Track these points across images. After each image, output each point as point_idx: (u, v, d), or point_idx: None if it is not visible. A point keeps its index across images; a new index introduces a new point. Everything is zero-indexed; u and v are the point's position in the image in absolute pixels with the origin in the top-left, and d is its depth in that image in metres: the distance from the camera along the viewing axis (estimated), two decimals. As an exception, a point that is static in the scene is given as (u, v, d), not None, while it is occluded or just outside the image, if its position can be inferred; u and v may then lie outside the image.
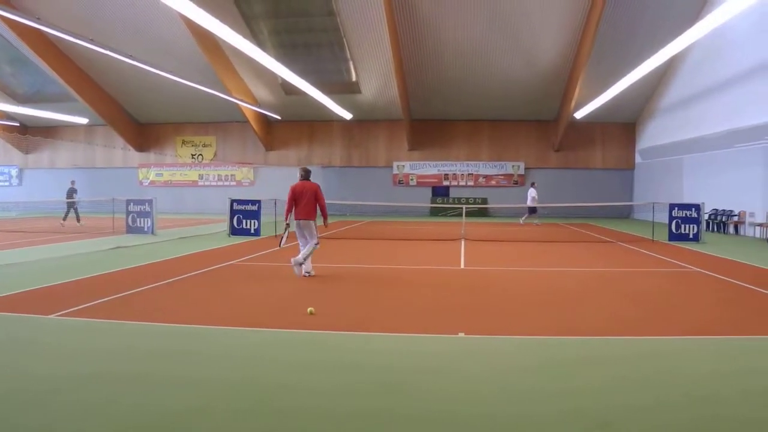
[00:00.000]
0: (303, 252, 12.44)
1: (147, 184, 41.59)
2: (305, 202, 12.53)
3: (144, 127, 42.04)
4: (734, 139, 24.91)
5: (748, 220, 24.33)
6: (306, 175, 12.99)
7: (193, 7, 15.05)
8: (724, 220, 25.84)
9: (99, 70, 34.65)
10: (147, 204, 22.08)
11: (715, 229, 26.06)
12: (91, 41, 18.14)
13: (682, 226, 21.11)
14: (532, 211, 30.70)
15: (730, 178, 25.75)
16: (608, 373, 6.16)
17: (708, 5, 26.04)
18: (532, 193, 30.54)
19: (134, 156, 42.11)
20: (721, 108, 26.17)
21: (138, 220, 21.88)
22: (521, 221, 30.87)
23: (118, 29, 29.46)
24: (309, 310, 8.66)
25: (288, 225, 12.73)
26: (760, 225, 22.93)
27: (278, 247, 14.19)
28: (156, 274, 12.18)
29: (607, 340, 7.50)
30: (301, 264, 12.30)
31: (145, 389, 5.50)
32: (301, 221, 12.55)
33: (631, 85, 26.92)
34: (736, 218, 25.19)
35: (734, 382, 5.84)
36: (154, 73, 23.53)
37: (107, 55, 19.89)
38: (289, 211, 12.54)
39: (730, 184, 25.76)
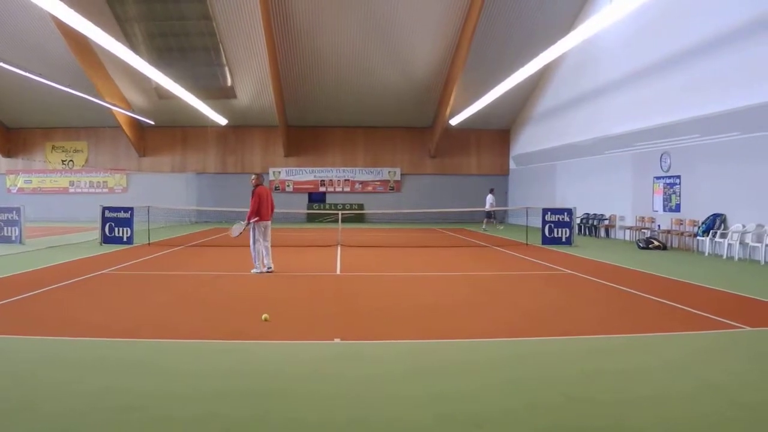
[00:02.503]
0: (267, 255, 14.26)
1: (15, 191, 39.82)
2: (270, 204, 14.24)
3: (11, 131, 40.08)
4: (604, 146, 26.30)
5: (618, 223, 25.71)
6: (262, 180, 14.61)
7: (64, 7, 14.60)
8: (595, 223, 27.15)
9: (-40, 71, 33.04)
10: (15, 212, 21.30)
11: (587, 233, 27.37)
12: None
13: (555, 230, 22.11)
14: (489, 216, 31.27)
15: (602, 184, 27.22)
16: (482, 375, 6.34)
17: (580, 18, 27.49)
18: (489, 199, 31.14)
19: (1, 162, 40.25)
20: (591, 116, 27.66)
21: (5, 228, 21.07)
22: (484, 228, 31.44)
23: (-18, 29, 28.27)
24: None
25: (249, 223, 14.09)
26: (630, 228, 24.27)
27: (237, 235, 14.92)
28: (23, 284, 11.89)
29: (481, 343, 7.75)
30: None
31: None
32: (267, 222, 14.24)
33: (505, 93, 27.82)
34: (607, 222, 26.52)
35: (604, 381, 6.11)
36: (22, 75, 22.74)
37: (-30, 57, 19.13)
38: (257, 213, 13.98)
39: (601, 189, 27.24)
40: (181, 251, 19.74)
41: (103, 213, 21.40)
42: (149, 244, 21.13)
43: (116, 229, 21.28)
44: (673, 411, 5.26)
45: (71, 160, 40.14)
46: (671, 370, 6.52)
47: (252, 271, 14.17)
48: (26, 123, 39.34)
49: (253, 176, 14.67)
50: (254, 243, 14.21)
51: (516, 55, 28.34)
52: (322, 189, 40.44)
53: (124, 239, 21.19)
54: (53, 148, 40.21)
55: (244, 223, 14.36)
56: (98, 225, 21.47)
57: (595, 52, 26.60)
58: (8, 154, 40.17)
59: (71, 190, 40.37)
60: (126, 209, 21.66)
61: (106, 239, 21.18)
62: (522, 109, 37.30)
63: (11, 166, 40.38)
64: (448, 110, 34.19)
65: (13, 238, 20.92)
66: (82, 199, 39.09)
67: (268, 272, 14.09)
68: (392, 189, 40.36)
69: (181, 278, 13.75)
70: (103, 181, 40.25)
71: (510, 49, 29.88)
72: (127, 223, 21.39)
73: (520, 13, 28.30)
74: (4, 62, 20.38)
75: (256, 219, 14.02)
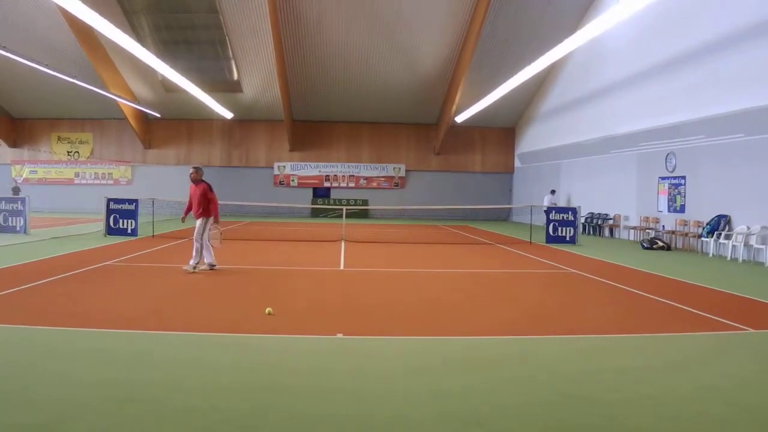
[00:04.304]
0: (210, 253, 13.49)
1: (21, 181, 39.83)
2: None
3: (18, 122, 40.21)
4: (609, 146, 26.26)
5: (622, 223, 25.67)
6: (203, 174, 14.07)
7: (72, -2, 14.62)
8: (599, 223, 27.09)
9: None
10: (20, 202, 21.39)
11: (592, 232, 27.33)
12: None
13: (559, 228, 22.12)
14: None
15: (606, 183, 27.19)
16: (484, 373, 6.30)
17: (587, 17, 27.40)
18: (547, 200, 30.84)
19: (7, 152, 40.35)
20: (597, 115, 27.60)
21: (10, 218, 21.15)
22: None
23: (-11, 19, 28.27)
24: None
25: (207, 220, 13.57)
26: (634, 228, 24.22)
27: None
28: (26, 275, 11.93)
29: (483, 340, 7.72)
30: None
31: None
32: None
33: (511, 91, 27.76)
34: (611, 221, 26.47)
35: (606, 380, 6.08)
36: (29, 65, 22.75)
37: (-23, 46, 19.13)
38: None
39: (606, 188, 27.19)
40: (185, 244, 19.70)
41: (108, 204, 21.47)
42: (153, 236, 21.18)
43: (121, 220, 21.35)
44: (673, 411, 5.24)
45: (77, 152, 40.22)
46: (672, 370, 6.50)
47: (183, 268, 13.26)
48: (32, 113, 39.45)
49: (193, 169, 14.04)
50: (200, 237, 13.41)
51: (522, 53, 28.32)
52: (326, 184, 40.48)
53: (129, 231, 21.25)
54: (59, 138, 40.31)
55: (216, 226, 13.81)
56: (103, 216, 21.53)
57: (601, 52, 26.55)
58: (14, 144, 40.30)
59: (76, 181, 40.51)
60: (131, 201, 21.73)
61: (111, 231, 21.24)
62: (527, 107, 37.30)
63: (17, 157, 40.50)
64: (454, 107, 34.16)
65: (18, 228, 21.00)
66: (87, 190, 39.24)
67: (210, 269, 13.41)
68: (397, 185, 40.37)
69: (184, 271, 13.75)
70: (108, 173, 40.36)
71: (516, 48, 29.85)
72: (132, 215, 21.45)
73: (526, 12, 28.27)
74: (11, 53, 20.39)
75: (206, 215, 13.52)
